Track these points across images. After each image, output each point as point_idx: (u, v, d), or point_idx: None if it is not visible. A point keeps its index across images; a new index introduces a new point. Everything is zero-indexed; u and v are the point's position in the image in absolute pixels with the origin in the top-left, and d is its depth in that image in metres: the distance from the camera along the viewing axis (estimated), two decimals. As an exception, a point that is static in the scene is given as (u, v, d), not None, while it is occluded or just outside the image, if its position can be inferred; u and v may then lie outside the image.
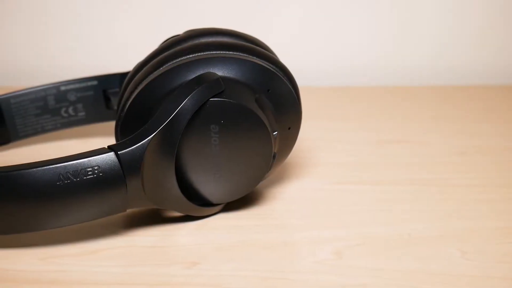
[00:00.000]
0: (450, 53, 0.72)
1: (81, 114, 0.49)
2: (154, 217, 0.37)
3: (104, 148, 0.33)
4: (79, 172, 0.31)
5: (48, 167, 0.31)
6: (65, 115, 0.49)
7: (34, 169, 0.31)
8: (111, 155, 0.32)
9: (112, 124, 0.51)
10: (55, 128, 0.49)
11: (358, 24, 0.71)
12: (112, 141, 0.50)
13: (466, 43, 0.71)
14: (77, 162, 0.31)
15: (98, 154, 0.32)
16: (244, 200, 0.38)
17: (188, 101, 0.33)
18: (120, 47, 0.71)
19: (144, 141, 0.32)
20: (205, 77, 0.34)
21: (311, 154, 0.47)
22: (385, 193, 0.41)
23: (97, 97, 0.49)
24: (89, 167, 0.32)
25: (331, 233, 0.36)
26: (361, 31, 0.71)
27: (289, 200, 0.40)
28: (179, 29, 0.44)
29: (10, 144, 0.48)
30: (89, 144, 0.50)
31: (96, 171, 0.32)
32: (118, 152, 0.32)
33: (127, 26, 0.71)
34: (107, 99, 0.49)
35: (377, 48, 0.72)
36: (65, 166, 0.31)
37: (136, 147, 0.32)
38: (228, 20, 0.69)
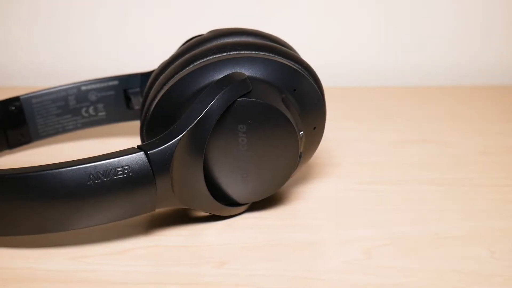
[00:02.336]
0: (470, 53, 0.72)
1: (102, 114, 0.49)
2: (180, 217, 0.37)
3: (133, 147, 0.33)
4: (109, 172, 0.31)
5: (78, 167, 0.31)
6: (85, 115, 0.49)
7: (65, 168, 0.31)
8: (140, 154, 0.32)
9: (131, 124, 0.51)
10: (76, 128, 0.49)
11: (378, 24, 0.71)
12: (131, 140, 0.51)
13: (487, 44, 0.71)
14: (107, 162, 0.31)
15: (128, 154, 0.32)
16: (268, 200, 0.38)
17: (216, 101, 0.33)
18: (139, 47, 0.72)
19: (173, 140, 0.32)
20: (233, 77, 0.34)
21: (333, 154, 0.47)
22: (410, 193, 0.41)
23: (118, 97, 0.49)
24: (119, 167, 0.32)
25: (358, 233, 0.36)
26: (381, 31, 0.71)
27: (314, 200, 0.40)
28: (197, 30, 0.44)
29: (31, 144, 0.48)
30: (109, 144, 0.51)
31: (126, 171, 0.32)
32: (148, 152, 0.32)
33: (146, 27, 0.71)
34: (127, 99, 0.49)
35: (397, 49, 0.72)
36: (95, 166, 0.31)
37: (165, 147, 0.32)
38: (244, 21, 0.69)
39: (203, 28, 0.44)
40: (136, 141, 0.49)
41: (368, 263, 0.33)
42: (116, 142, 0.51)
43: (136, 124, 0.50)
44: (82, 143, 0.51)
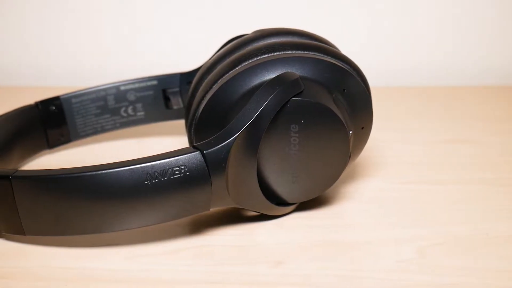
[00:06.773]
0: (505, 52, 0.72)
1: (140, 113, 0.49)
2: (228, 217, 0.37)
3: (189, 147, 0.33)
4: (167, 171, 0.31)
5: (135, 166, 0.31)
6: (124, 114, 0.49)
7: (122, 168, 0.31)
8: (197, 154, 0.32)
9: (169, 124, 0.51)
10: (114, 127, 0.49)
11: (417, 24, 0.71)
12: (169, 140, 0.51)
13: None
14: (164, 162, 0.31)
15: (184, 154, 0.32)
16: (315, 199, 0.38)
17: (270, 101, 0.33)
18: (177, 48, 0.72)
19: (228, 140, 0.32)
20: (285, 77, 0.34)
21: (376, 153, 0.47)
22: (455, 193, 0.41)
23: (157, 97, 0.49)
24: (176, 167, 0.32)
25: (409, 232, 0.36)
26: (421, 31, 0.71)
27: (360, 200, 0.40)
28: (232, 31, 0.44)
29: (70, 144, 0.49)
30: (146, 143, 0.51)
31: (183, 171, 0.32)
32: (204, 152, 0.32)
33: (184, 28, 0.71)
34: (166, 99, 0.49)
35: (436, 48, 0.72)
36: (152, 165, 0.31)
37: (221, 146, 0.32)
38: (282, 21, 0.69)
39: (237, 30, 0.44)
40: (174, 140, 0.50)
41: (423, 263, 0.33)
42: (154, 142, 0.51)
43: (174, 123, 0.50)
44: (121, 143, 0.51)
